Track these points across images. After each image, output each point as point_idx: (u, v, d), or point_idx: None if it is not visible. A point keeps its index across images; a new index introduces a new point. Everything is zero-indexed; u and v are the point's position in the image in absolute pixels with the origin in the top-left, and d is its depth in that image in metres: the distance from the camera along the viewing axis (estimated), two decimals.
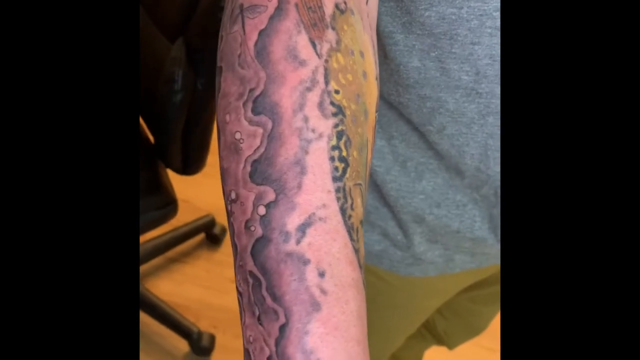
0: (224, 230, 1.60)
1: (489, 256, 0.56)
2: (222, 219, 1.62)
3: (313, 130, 0.29)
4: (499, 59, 0.40)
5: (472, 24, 0.39)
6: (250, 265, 0.29)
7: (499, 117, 0.43)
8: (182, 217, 1.58)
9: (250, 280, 0.29)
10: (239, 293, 0.29)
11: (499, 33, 0.39)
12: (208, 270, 1.55)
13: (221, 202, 1.64)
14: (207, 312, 1.46)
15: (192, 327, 1.37)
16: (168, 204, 1.10)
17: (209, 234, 1.59)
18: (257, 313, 0.28)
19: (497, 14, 0.38)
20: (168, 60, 0.85)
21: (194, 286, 1.51)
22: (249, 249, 0.29)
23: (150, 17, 0.95)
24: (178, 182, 1.11)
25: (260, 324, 0.28)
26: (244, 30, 0.30)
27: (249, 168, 0.29)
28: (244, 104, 0.30)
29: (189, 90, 0.88)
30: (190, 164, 1.05)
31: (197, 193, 1.63)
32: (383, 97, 0.48)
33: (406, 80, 0.44)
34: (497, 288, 0.75)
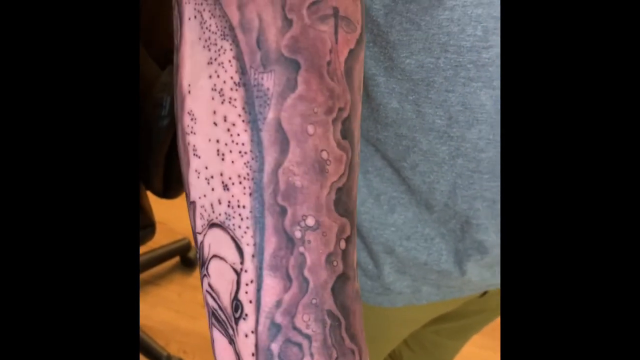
0: None
1: (453, 289, 0.58)
2: None
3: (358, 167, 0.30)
4: (470, 106, 0.43)
5: (448, 73, 0.43)
6: (329, 303, 0.26)
7: (467, 159, 0.46)
8: (158, 239, 1.59)
9: (329, 321, 0.26)
10: (305, 336, 0.26)
11: (471, 83, 0.42)
12: (180, 294, 1.56)
13: None
14: (177, 336, 1.47)
15: (161, 351, 1.37)
16: (146, 227, 1.11)
17: (183, 257, 1.60)
18: (334, 356, 0.26)
19: (471, 66, 0.42)
20: (158, 85, 0.87)
21: (165, 309, 1.52)
22: (329, 286, 0.27)
23: (142, 42, 0.98)
24: (155, 204, 1.12)
25: None
26: (336, 39, 0.27)
27: (333, 195, 0.27)
28: (334, 122, 0.27)
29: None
30: (171, 188, 1.07)
31: (174, 216, 1.65)
32: (362, 134, 0.51)
33: (385, 119, 0.47)
34: (461, 323, 0.77)
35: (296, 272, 0.26)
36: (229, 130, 0.27)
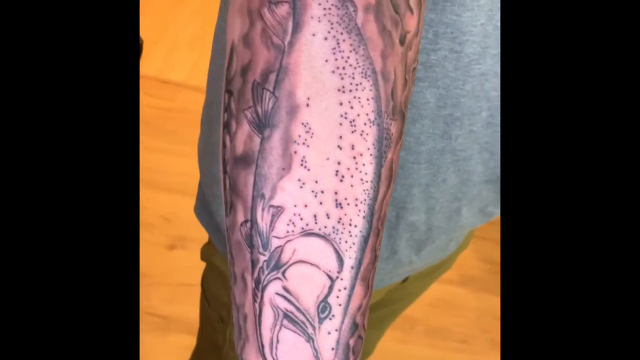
0: None
1: (384, 278, 0.64)
2: None
3: None
4: (416, 103, 0.48)
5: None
6: None
7: (409, 152, 0.50)
8: None
9: None
10: (365, 331, 0.33)
11: (419, 82, 0.46)
12: None
13: None
14: None
15: None
16: None
17: None
18: None
19: (420, 67, 0.46)
20: None
21: None
22: None
23: None
24: None
25: None
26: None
27: None
28: None
29: None
30: None
31: None
32: None
33: None
34: (383, 311, 0.83)
35: (371, 282, 0.32)
36: (354, 158, 0.31)
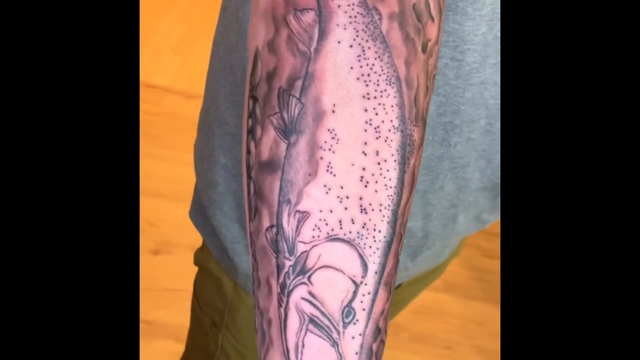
0: None
1: None
2: None
3: None
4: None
5: None
6: None
7: None
8: None
9: None
10: (386, 336, 0.34)
11: None
12: None
13: None
14: None
15: None
16: None
17: None
18: None
19: None
20: None
21: None
22: None
23: None
24: None
25: None
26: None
27: None
28: None
29: None
30: None
31: None
32: None
33: None
34: None
35: (392, 287, 0.33)
36: (379, 164, 0.32)
